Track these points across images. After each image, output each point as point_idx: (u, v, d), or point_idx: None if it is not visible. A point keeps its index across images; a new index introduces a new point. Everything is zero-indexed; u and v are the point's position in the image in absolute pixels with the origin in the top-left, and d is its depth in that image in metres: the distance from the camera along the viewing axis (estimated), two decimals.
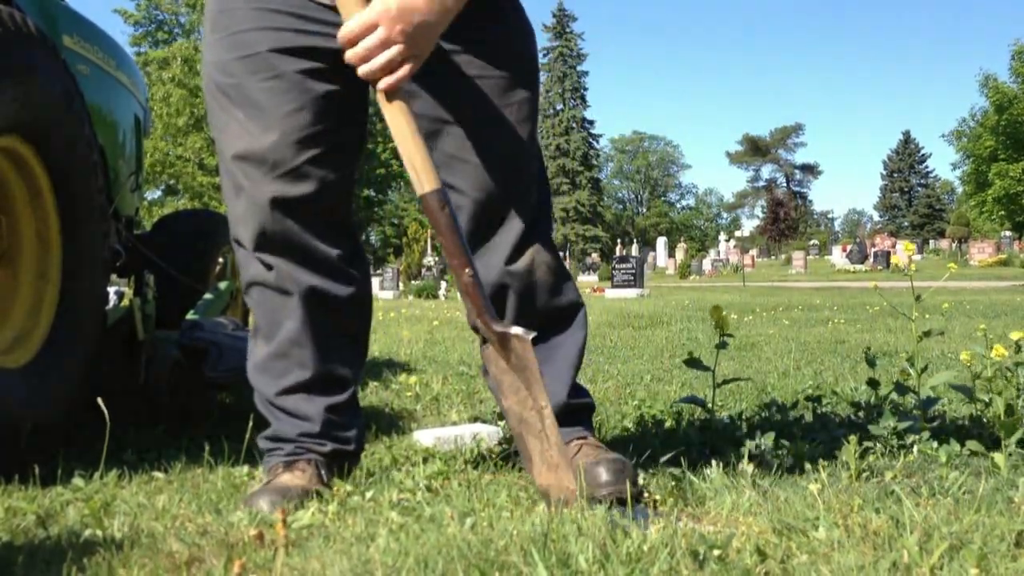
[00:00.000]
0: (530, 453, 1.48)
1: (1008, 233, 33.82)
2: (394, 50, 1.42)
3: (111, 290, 2.62)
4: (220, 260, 3.35)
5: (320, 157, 1.59)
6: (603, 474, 1.53)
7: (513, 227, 1.65)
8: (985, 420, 2.14)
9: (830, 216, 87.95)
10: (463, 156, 1.61)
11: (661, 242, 45.66)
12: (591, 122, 55.35)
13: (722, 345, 2.12)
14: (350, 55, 1.44)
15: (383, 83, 1.44)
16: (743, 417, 2.32)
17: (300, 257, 1.62)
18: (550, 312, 1.72)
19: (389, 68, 1.43)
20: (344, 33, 1.44)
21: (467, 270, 1.46)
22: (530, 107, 1.66)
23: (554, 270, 1.71)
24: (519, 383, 1.46)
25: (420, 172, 1.44)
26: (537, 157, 1.75)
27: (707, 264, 38.58)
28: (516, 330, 1.46)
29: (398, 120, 1.45)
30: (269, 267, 1.62)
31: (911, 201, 74.33)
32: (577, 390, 1.75)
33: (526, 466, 1.51)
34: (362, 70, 1.44)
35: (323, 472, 1.62)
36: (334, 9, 1.53)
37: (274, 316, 1.64)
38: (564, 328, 1.75)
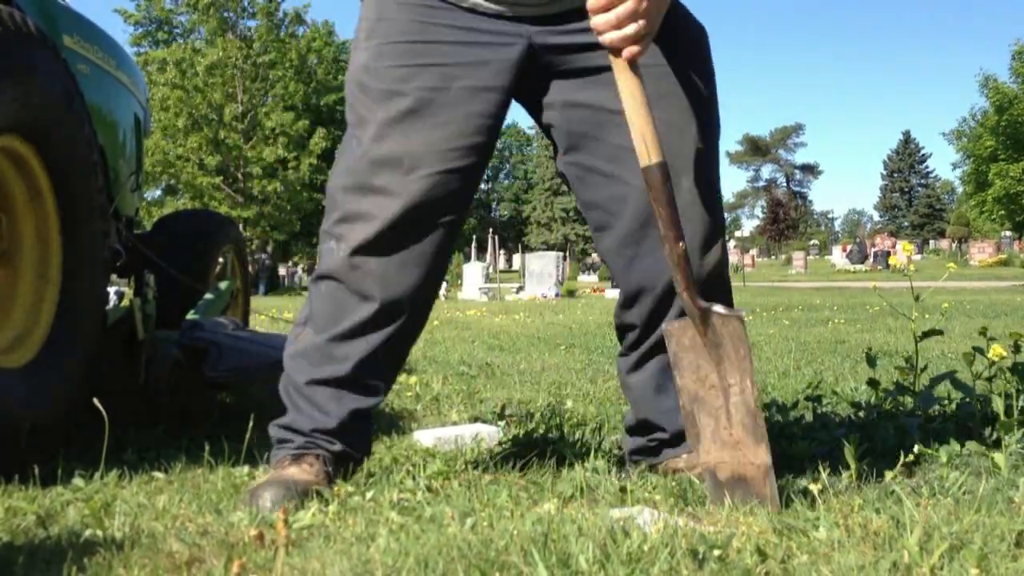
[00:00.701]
0: (699, 430, 1.49)
1: (1008, 233, 33.85)
2: (641, 23, 1.47)
3: (111, 290, 2.61)
4: (220, 260, 3.35)
5: (453, 171, 1.62)
6: None
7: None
8: (985, 420, 2.13)
9: (830, 216, 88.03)
10: (631, 146, 1.60)
11: None
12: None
13: None
14: (601, 21, 1.48)
15: (627, 51, 1.48)
16: None
17: (398, 268, 1.64)
18: None
19: (635, 39, 1.48)
20: (599, 0, 1.49)
21: (680, 243, 1.48)
22: (695, 99, 1.65)
23: (720, 274, 1.70)
24: (701, 361, 1.47)
25: (649, 144, 1.47)
26: (713, 151, 1.70)
27: None
28: (720, 308, 1.47)
29: (634, 91, 1.49)
30: (356, 267, 1.64)
31: (911, 201, 74.36)
32: None
33: (692, 444, 1.53)
34: (610, 36, 1.48)
35: (329, 470, 1.64)
36: (500, 18, 1.60)
37: (337, 312, 1.67)
38: None
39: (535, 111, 1.73)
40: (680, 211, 1.52)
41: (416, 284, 1.65)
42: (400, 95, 1.61)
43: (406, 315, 1.67)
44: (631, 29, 1.47)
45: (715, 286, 1.66)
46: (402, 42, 1.62)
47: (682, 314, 1.56)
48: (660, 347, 1.70)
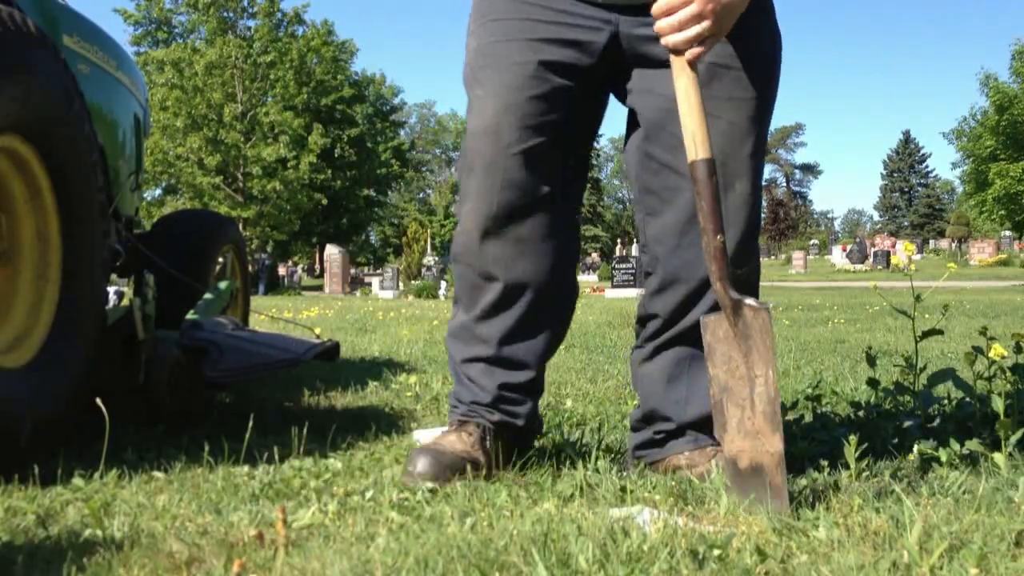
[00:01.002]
0: (726, 420, 1.51)
1: (1008, 233, 33.83)
2: (704, 25, 1.53)
3: (111, 290, 2.62)
4: (220, 260, 3.35)
5: (543, 147, 1.68)
6: None
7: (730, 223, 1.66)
8: (985, 420, 2.13)
9: (830, 216, 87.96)
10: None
11: None
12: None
13: None
14: (663, 24, 1.54)
15: (689, 54, 1.53)
16: None
17: (514, 248, 1.70)
18: None
19: (696, 40, 1.53)
20: (661, 4, 1.55)
21: (719, 236, 1.51)
22: (759, 109, 1.70)
23: (748, 281, 1.73)
24: (732, 353, 1.50)
25: (697, 141, 1.52)
26: (758, 160, 1.74)
27: None
28: (751, 301, 1.50)
29: (689, 90, 1.53)
30: (477, 249, 1.71)
31: (911, 201, 74.34)
32: None
33: (718, 434, 1.54)
34: (672, 39, 1.54)
35: (488, 440, 1.72)
36: (591, 4, 1.67)
37: (473, 292, 1.76)
38: None
39: (620, 95, 1.79)
40: (729, 212, 1.61)
41: (536, 264, 1.71)
42: (494, 68, 1.69)
43: (533, 293, 1.73)
44: (693, 31, 1.53)
45: (743, 285, 1.68)
46: (500, 19, 1.72)
47: (712, 309, 1.60)
48: (679, 340, 1.75)
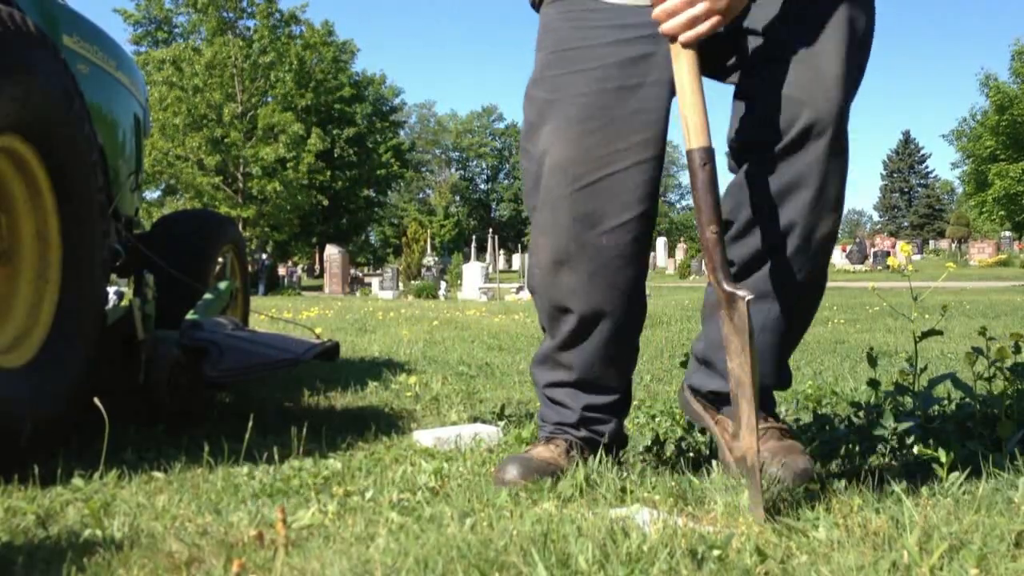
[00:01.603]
0: (738, 416, 1.50)
1: (1008, 233, 33.82)
2: (699, 8, 1.49)
3: (111, 290, 2.62)
4: (220, 260, 3.35)
5: (614, 174, 1.63)
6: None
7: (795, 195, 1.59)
8: (985, 420, 2.13)
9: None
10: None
11: (661, 242, 45.64)
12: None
13: None
14: (657, 11, 1.52)
15: (682, 36, 1.51)
16: None
17: (589, 279, 1.66)
18: (799, 286, 1.65)
19: (691, 24, 1.50)
20: None
21: (711, 227, 1.48)
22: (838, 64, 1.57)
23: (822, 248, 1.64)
24: (742, 345, 1.47)
25: (691, 129, 1.49)
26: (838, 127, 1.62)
27: None
28: (740, 292, 1.46)
29: (685, 74, 1.51)
30: (551, 283, 1.70)
31: (911, 201, 74.33)
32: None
33: (733, 430, 1.54)
34: (665, 26, 1.51)
35: (575, 451, 1.74)
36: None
37: (552, 323, 1.75)
38: (797, 308, 1.68)
39: (716, 79, 1.74)
40: (801, 173, 1.56)
41: (610, 291, 1.68)
42: (559, 103, 1.66)
43: (611, 320, 1.70)
44: (685, 16, 1.50)
45: (819, 254, 1.64)
46: (561, 51, 1.68)
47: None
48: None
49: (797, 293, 1.65)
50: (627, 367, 1.82)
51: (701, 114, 1.51)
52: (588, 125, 1.63)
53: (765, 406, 1.70)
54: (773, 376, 1.69)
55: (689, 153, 1.50)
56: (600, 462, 1.72)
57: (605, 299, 1.68)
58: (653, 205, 1.69)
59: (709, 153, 1.49)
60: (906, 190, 74.85)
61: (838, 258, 39.26)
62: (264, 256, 27.62)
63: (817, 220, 1.59)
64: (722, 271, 1.49)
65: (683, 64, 1.52)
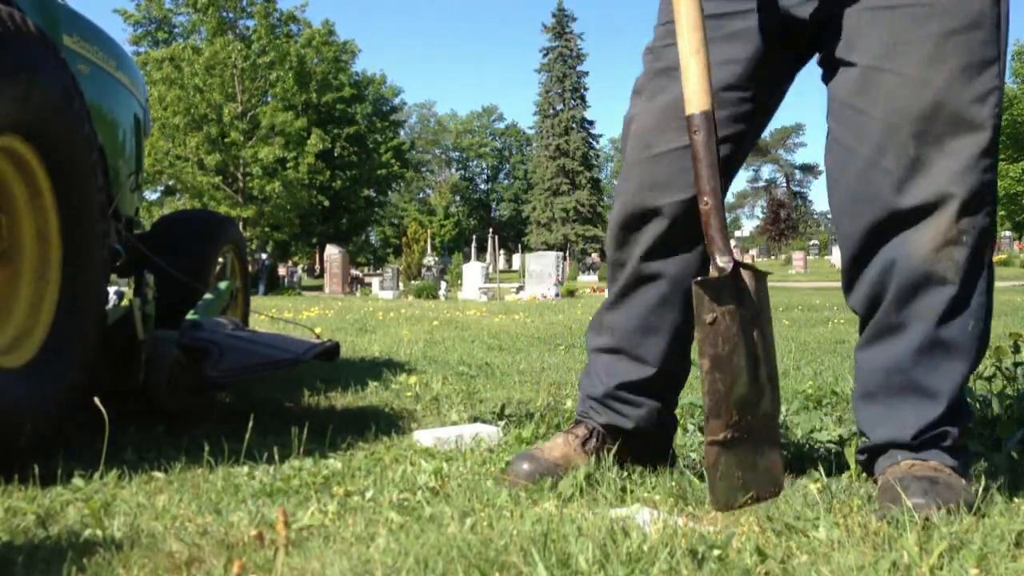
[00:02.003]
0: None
1: (1008, 233, 33.84)
2: None
3: (111, 290, 2.62)
4: (220, 260, 3.35)
5: (683, 147, 1.62)
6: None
7: (919, 195, 1.46)
8: (985, 420, 2.14)
9: (830, 216, 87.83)
10: (852, 103, 1.53)
11: None
12: (591, 122, 55.24)
13: None
14: None
15: None
16: None
17: (651, 240, 1.68)
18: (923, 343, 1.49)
19: None
20: None
21: (705, 198, 1.43)
22: (962, 45, 1.45)
23: (963, 276, 1.46)
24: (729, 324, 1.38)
25: (689, 92, 1.44)
26: (979, 111, 1.45)
27: None
28: (728, 261, 1.40)
29: (685, 23, 1.44)
30: (620, 239, 1.73)
31: None
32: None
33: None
34: None
35: (593, 442, 1.73)
36: None
37: (609, 282, 1.79)
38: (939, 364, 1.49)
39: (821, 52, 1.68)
40: (902, 176, 1.46)
41: (672, 259, 1.68)
42: (652, 74, 1.71)
43: (664, 287, 1.70)
44: None
45: (914, 296, 1.48)
46: (667, 23, 1.67)
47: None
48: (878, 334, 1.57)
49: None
50: (669, 349, 1.74)
51: (702, 75, 1.43)
52: (664, 98, 1.66)
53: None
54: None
55: (688, 118, 1.44)
56: (600, 461, 1.72)
57: (664, 264, 1.69)
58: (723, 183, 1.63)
59: (707, 117, 1.43)
60: None
61: (838, 258, 39.25)
62: (264, 256, 27.63)
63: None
64: (715, 245, 1.42)
65: (684, 10, 1.44)
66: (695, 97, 1.43)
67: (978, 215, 1.45)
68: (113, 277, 2.75)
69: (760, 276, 1.44)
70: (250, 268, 4.10)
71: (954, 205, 1.44)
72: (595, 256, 44.70)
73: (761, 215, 71.81)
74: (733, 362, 1.38)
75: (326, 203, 33.87)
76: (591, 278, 32.63)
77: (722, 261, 1.41)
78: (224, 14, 30.90)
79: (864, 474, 1.66)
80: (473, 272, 19.81)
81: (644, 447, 1.76)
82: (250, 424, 1.88)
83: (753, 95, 1.66)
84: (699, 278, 1.39)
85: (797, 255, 38.73)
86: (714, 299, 1.38)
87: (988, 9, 1.46)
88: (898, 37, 1.48)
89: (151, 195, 30.98)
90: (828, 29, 1.58)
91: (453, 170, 66.53)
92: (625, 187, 1.72)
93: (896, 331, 1.50)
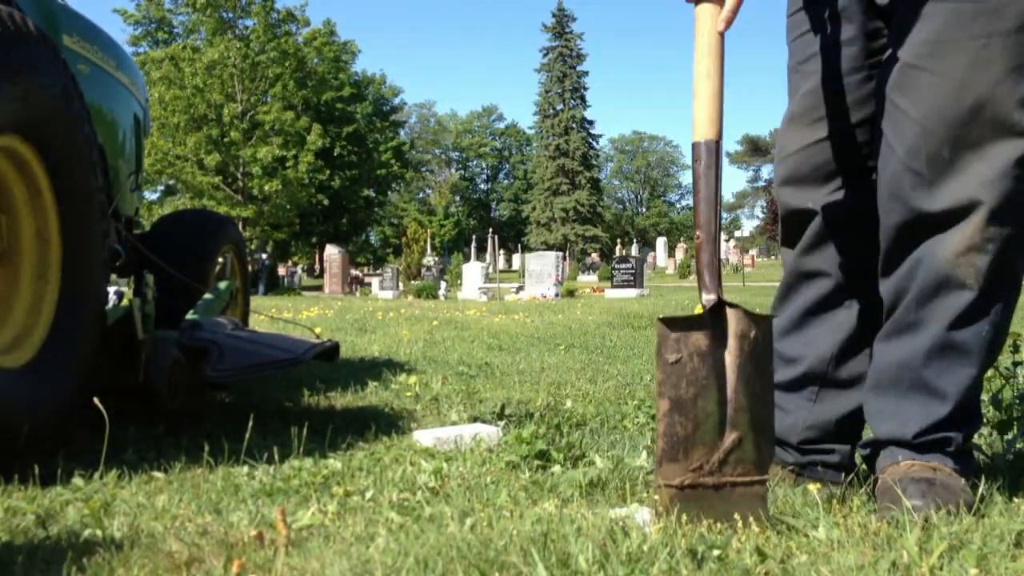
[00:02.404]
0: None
1: None
2: None
3: (111, 290, 2.62)
4: (220, 260, 3.35)
5: (812, 144, 1.65)
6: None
7: (947, 199, 1.44)
8: (985, 420, 2.14)
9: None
10: (894, 99, 1.51)
11: (661, 242, 45.66)
12: (591, 122, 55.25)
13: None
14: None
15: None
16: None
17: (808, 242, 1.68)
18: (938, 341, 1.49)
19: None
20: None
21: (698, 232, 1.40)
22: (1009, 47, 1.41)
23: (984, 283, 1.45)
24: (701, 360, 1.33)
25: (696, 119, 1.40)
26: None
27: None
28: (732, 307, 1.36)
29: (701, 60, 1.41)
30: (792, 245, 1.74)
31: None
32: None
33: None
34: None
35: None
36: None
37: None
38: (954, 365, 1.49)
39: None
40: (933, 180, 1.44)
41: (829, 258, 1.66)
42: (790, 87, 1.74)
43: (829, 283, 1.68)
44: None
45: (932, 300, 1.48)
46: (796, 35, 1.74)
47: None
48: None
49: None
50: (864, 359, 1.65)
51: (710, 103, 1.39)
52: (794, 100, 1.69)
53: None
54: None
55: (693, 145, 1.41)
56: (597, 460, 1.71)
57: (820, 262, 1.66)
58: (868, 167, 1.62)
59: (710, 147, 1.39)
60: None
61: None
62: (264, 256, 27.63)
63: None
64: (701, 280, 1.37)
65: (702, 33, 1.41)
66: (701, 126, 1.39)
67: (1007, 223, 1.42)
68: (113, 277, 2.75)
69: (756, 320, 1.37)
70: (250, 268, 4.10)
71: (983, 212, 1.42)
72: (595, 256, 44.70)
73: (761, 215, 71.77)
74: (698, 406, 1.33)
75: (325, 202, 33.87)
76: (591, 278, 32.63)
77: (705, 298, 1.37)
78: (223, 14, 30.90)
79: (865, 472, 1.66)
80: (473, 272, 19.80)
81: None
82: (250, 424, 1.88)
83: (870, 76, 1.61)
84: (664, 316, 1.35)
85: None
86: (679, 338, 1.33)
87: None
88: (942, 35, 1.44)
89: (151, 195, 31.00)
90: (891, 18, 1.57)
91: (453, 170, 66.51)
92: (775, 179, 1.74)
93: (913, 329, 1.49)
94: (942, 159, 1.44)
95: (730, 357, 1.35)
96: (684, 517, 1.31)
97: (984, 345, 1.47)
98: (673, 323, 1.33)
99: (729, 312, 1.36)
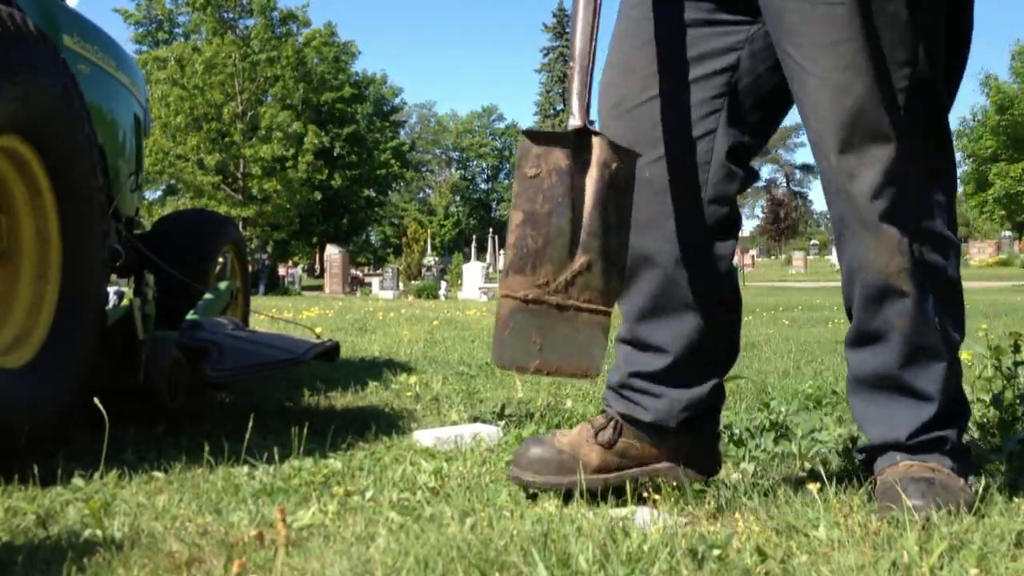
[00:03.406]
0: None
1: (1008, 233, 33.87)
2: None
3: (111, 290, 2.62)
4: (220, 260, 3.35)
5: (662, 98, 1.54)
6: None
7: (853, 205, 1.44)
8: (985, 420, 2.13)
9: (829, 217, 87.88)
10: (796, 95, 1.48)
11: None
12: (591, 122, 54.99)
13: None
14: None
15: None
16: (743, 417, 2.32)
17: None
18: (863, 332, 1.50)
19: None
20: None
21: (572, 62, 1.38)
22: (877, 50, 1.39)
23: (914, 283, 1.44)
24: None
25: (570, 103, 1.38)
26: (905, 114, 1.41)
27: None
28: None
29: (579, 35, 1.38)
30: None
31: None
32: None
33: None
34: None
35: (610, 433, 1.57)
36: None
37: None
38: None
39: None
40: (839, 183, 1.43)
41: (654, 233, 1.55)
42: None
43: (661, 268, 1.57)
44: None
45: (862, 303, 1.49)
46: None
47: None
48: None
49: None
50: (686, 329, 1.58)
51: (579, 89, 1.36)
52: (633, 42, 1.54)
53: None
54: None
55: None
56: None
57: (649, 242, 1.54)
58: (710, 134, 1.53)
59: (578, 137, 1.36)
60: None
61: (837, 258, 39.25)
62: (264, 256, 27.63)
63: None
64: (568, 105, 1.37)
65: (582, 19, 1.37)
66: (574, 109, 1.37)
67: (912, 222, 1.43)
68: (113, 277, 2.75)
69: (621, 153, 1.36)
70: (250, 268, 4.10)
71: (888, 217, 1.42)
72: None
73: (761, 215, 71.82)
74: (551, 222, 1.32)
75: (319, 196, 33.81)
76: None
77: (572, 123, 1.35)
78: (224, 14, 30.91)
79: (864, 473, 1.66)
80: (473, 272, 19.79)
81: (676, 451, 1.59)
82: (250, 424, 1.88)
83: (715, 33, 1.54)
84: (528, 127, 1.35)
85: (797, 255, 38.78)
86: (540, 154, 1.32)
87: (902, 12, 1.39)
88: (820, 37, 1.40)
89: (151, 195, 31.01)
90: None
91: (453, 170, 66.49)
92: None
93: (878, 339, 1.49)
94: (836, 164, 1.43)
95: (590, 182, 1.34)
96: (513, 335, 1.31)
97: (945, 336, 1.47)
98: (536, 137, 1.32)
99: (595, 140, 1.36)
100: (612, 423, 1.59)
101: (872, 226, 1.43)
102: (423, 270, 24.73)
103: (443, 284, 20.50)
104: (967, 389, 2.12)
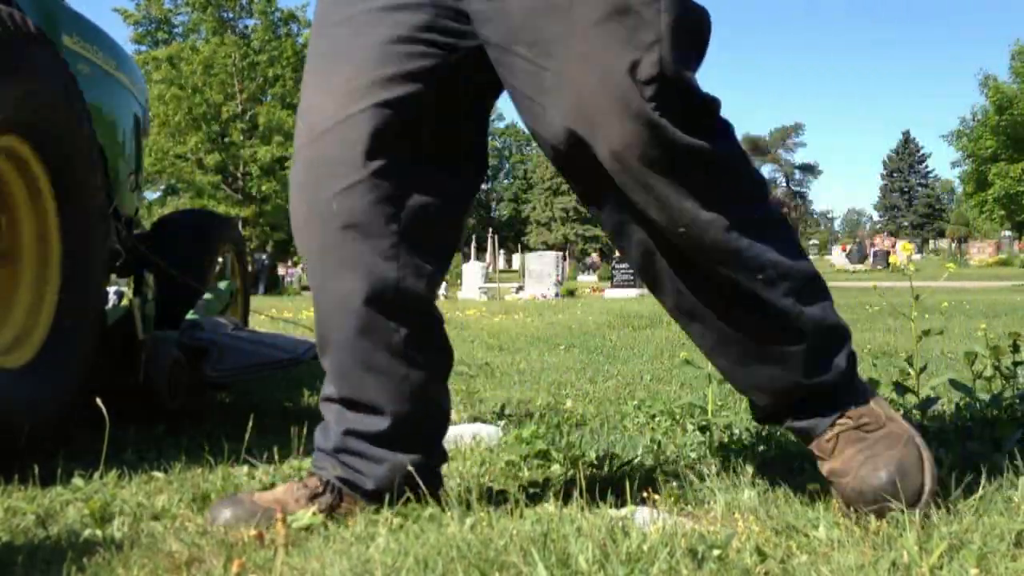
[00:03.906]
0: None
1: (1008, 233, 33.90)
2: None
3: (111, 290, 2.62)
4: (220, 260, 3.35)
5: (356, 117, 1.36)
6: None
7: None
8: (985, 420, 2.14)
9: (830, 216, 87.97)
10: (532, 96, 1.32)
11: None
12: None
13: None
14: None
15: None
16: (743, 417, 2.32)
17: (318, 254, 1.42)
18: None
19: None
20: None
21: None
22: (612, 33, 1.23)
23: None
24: None
25: None
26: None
27: None
28: None
29: None
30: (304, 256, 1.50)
31: (911, 201, 74.42)
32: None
33: None
34: None
35: (328, 498, 1.42)
36: None
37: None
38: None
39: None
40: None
41: (347, 276, 1.40)
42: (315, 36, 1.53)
43: (354, 314, 1.44)
44: None
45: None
46: None
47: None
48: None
49: None
50: (402, 387, 1.40)
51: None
52: (332, 60, 1.35)
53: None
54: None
55: None
56: (597, 460, 1.71)
57: (341, 287, 1.36)
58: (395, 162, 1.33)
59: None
60: (906, 190, 74.96)
61: (838, 258, 39.24)
62: (264, 256, 27.63)
63: None
64: None
65: None
66: None
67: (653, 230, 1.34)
68: (113, 277, 2.76)
69: None
70: (250, 268, 4.10)
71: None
72: (595, 256, 44.69)
73: None
74: None
75: None
76: (591, 278, 32.63)
77: None
78: (224, 14, 30.92)
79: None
80: (473, 272, 19.78)
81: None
82: (250, 424, 1.88)
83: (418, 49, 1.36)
84: None
85: None
86: None
87: None
88: (546, 32, 1.26)
89: (151, 195, 31.02)
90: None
91: None
92: (294, 182, 1.42)
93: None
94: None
95: None
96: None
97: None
98: None
99: None
100: (330, 486, 1.42)
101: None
102: None
103: (443, 284, 20.48)
104: (969, 388, 2.12)
